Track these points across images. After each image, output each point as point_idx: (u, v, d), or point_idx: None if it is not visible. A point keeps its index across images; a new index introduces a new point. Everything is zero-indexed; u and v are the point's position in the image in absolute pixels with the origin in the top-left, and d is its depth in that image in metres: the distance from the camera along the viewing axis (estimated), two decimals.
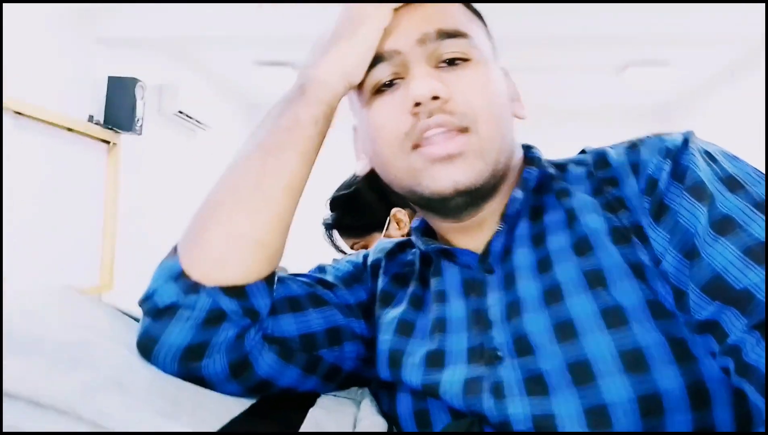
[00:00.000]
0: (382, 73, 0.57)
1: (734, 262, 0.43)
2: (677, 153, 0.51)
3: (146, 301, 0.54)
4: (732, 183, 0.48)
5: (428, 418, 0.56)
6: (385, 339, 0.61)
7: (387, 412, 0.60)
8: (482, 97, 0.55)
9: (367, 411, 0.58)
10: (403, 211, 1.28)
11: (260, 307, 0.54)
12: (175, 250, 0.56)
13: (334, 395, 0.63)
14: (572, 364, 0.48)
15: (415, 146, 0.55)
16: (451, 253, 0.61)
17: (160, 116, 3.61)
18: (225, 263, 0.52)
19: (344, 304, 0.63)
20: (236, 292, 0.52)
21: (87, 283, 2.88)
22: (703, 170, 0.49)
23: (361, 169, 0.65)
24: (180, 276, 0.52)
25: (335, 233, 1.37)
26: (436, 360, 0.56)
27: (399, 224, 1.28)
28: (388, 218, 1.28)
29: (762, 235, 0.43)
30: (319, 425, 0.53)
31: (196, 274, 0.52)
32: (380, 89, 0.57)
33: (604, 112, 4.77)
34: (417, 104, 0.53)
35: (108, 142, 3.05)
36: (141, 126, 3.06)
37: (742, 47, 3.55)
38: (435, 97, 0.53)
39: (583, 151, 0.63)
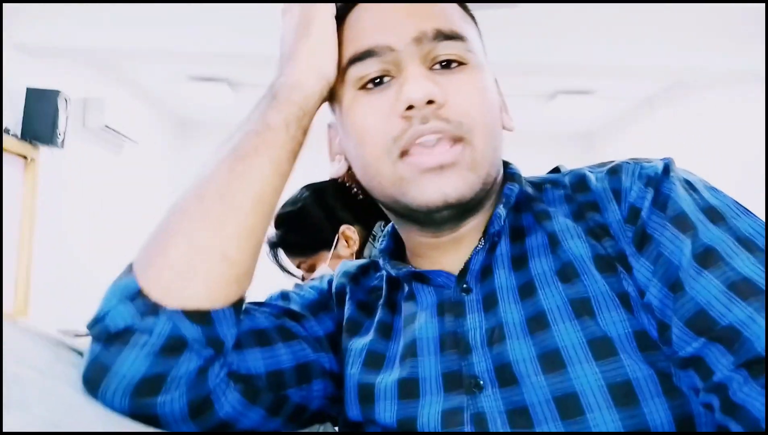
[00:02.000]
0: (369, 68, 0.53)
1: (718, 296, 0.43)
2: (658, 181, 0.50)
3: (96, 324, 0.47)
4: (713, 214, 0.47)
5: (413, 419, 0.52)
6: (353, 372, 0.57)
7: None
8: (479, 105, 0.53)
9: None
10: (352, 228, 1.24)
11: (226, 336, 0.49)
12: (130, 268, 0.50)
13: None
14: (558, 398, 0.46)
15: (404, 153, 0.51)
16: (424, 277, 0.58)
17: (84, 131, 3.43)
18: (189, 279, 0.47)
19: (313, 336, 0.59)
20: (200, 317, 0.47)
21: None
22: (684, 200, 0.48)
23: (336, 171, 0.61)
24: (137, 295, 0.47)
25: (280, 252, 1.31)
26: (409, 390, 0.52)
27: (348, 242, 1.24)
28: (337, 236, 1.24)
29: (745, 271, 0.43)
30: None
31: (155, 292, 0.46)
32: (366, 86, 0.54)
33: (533, 137, 4.94)
34: (409, 108, 0.50)
35: (25, 157, 2.85)
36: (63, 140, 2.88)
37: (663, 81, 3.78)
38: (430, 102, 0.50)
39: (556, 169, 0.62)
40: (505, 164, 0.62)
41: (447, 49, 0.53)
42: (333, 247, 1.23)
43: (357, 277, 0.65)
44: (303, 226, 1.27)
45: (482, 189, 0.53)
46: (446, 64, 0.53)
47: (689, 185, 0.50)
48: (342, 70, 0.55)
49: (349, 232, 1.23)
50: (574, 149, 5.07)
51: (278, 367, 0.53)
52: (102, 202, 3.67)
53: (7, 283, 2.74)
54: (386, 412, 0.52)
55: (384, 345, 0.57)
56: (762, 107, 3.01)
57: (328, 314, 0.62)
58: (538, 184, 0.60)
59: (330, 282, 0.66)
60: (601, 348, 0.47)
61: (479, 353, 0.51)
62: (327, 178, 1.26)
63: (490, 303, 0.53)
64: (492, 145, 0.54)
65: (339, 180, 1.25)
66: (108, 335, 0.46)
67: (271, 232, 1.31)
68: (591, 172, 0.56)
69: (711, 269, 0.44)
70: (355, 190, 1.26)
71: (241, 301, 0.51)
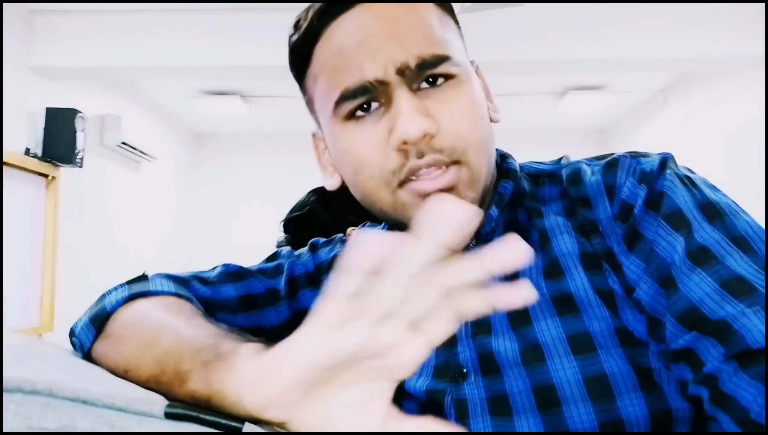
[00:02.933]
0: (359, 100, 0.52)
1: (711, 294, 0.43)
2: (652, 178, 0.50)
3: (70, 337, 0.55)
4: (711, 212, 0.47)
5: (397, 397, 0.54)
6: None
7: None
8: (469, 123, 0.52)
9: None
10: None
11: None
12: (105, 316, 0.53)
13: None
14: (537, 389, 0.48)
15: (402, 183, 0.52)
16: None
17: (102, 148, 3.50)
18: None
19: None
20: None
21: (26, 323, 2.71)
22: (680, 196, 0.48)
23: (331, 184, 0.61)
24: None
25: None
26: None
27: None
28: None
29: (738, 270, 0.43)
30: None
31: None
32: (354, 113, 0.53)
33: (544, 134, 4.93)
34: (404, 143, 0.50)
35: (47, 176, 2.92)
36: (82, 158, 2.95)
37: (674, 72, 3.75)
38: (426, 135, 0.50)
39: (559, 160, 0.62)
40: (504, 157, 0.62)
41: (435, 74, 0.52)
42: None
43: None
44: (311, 229, 1.29)
45: (480, 200, 0.54)
46: (432, 81, 0.52)
47: (689, 181, 0.50)
48: (332, 104, 0.53)
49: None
50: (587, 146, 5.04)
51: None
52: (121, 217, 3.74)
53: (33, 299, 2.80)
54: None
55: None
56: None
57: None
58: (536, 177, 0.60)
59: (339, 256, 0.68)
60: (580, 343, 0.48)
61: (464, 344, 0.53)
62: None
63: None
64: (487, 157, 0.54)
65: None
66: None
67: (281, 236, 1.34)
68: (588, 164, 0.57)
69: (704, 267, 0.44)
70: None
71: None
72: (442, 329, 0.31)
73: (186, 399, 0.38)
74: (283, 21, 0.61)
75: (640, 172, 0.51)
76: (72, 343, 0.55)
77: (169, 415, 0.34)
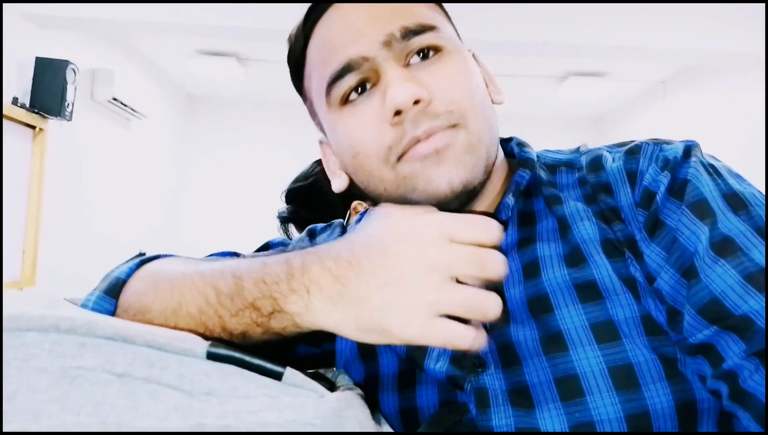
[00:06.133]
0: (348, 82, 0.52)
1: (734, 286, 0.42)
2: (676, 165, 0.49)
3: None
4: (735, 202, 0.46)
5: (413, 379, 0.54)
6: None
7: (366, 375, 0.58)
8: (464, 89, 0.51)
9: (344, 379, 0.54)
10: (364, 203, 1.24)
11: None
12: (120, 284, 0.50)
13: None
14: (559, 379, 0.46)
15: (401, 156, 0.50)
16: None
17: (92, 102, 3.43)
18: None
19: None
20: None
21: (7, 276, 2.68)
22: (705, 185, 0.47)
23: (338, 185, 0.59)
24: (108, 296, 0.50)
25: (291, 227, 1.31)
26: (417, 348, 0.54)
27: None
28: (348, 212, 1.24)
29: (763, 262, 0.42)
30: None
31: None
32: (348, 98, 0.52)
33: (544, 119, 4.91)
34: (397, 113, 0.49)
35: (34, 128, 2.86)
36: (71, 111, 2.88)
37: (675, 64, 3.73)
38: (416, 102, 0.49)
39: (577, 149, 0.60)
40: (521, 145, 0.61)
41: (419, 42, 0.51)
42: (345, 223, 1.23)
43: None
44: (314, 201, 1.27)
45: (485, 170, 0.53)
46: (423, 55, 0.52)
47: (713, 169, 0.49)
48: (324, 94, 0.54)
49: (361, 207, 1.23)
50: (583, 132, 5.04)
51: None
52: (109, 175, 3.69)
53: (15, 252, 2.77)
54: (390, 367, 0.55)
55: None
56: None
57: None
58: (552, 167, 0.59)
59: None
60: (604, 332, 0.47)
61: None
62: None
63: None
64: (488, 125, 0.53)
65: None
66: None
67: (282, 207, 1.31)
68: (609, 151, 0.55)
69: (728, 259, 0.43)
70: None
71: None
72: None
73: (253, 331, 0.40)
74: None
75: (663, 159, 0.49)
76: None
77: (211, 356, 0.33)
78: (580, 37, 2.84)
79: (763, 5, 2.69)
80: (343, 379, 0.51)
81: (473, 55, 0.59)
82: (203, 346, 0.33)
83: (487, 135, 0.53)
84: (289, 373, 0.34)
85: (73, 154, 3.26)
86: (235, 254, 0.64)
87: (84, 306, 0.50)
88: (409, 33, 0.51)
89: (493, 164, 0.55)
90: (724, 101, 3.48)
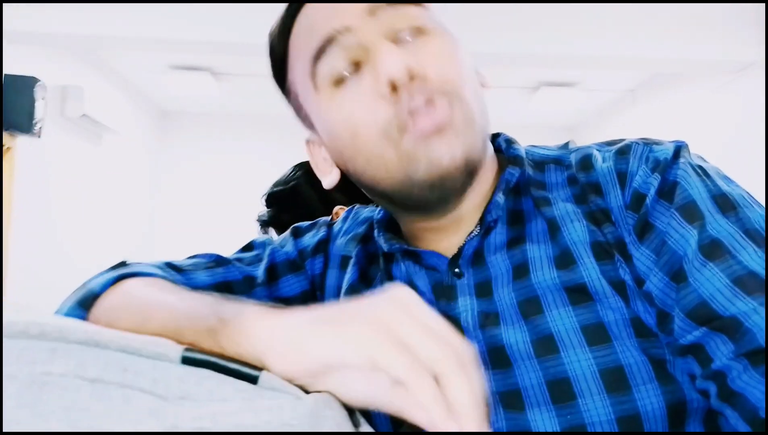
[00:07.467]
0: (336, 61, 0.50)
1: (722, 289, 0.42)
2: (665, 167, 0.49)
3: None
4: (724, 203, 0.46)
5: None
6: None
7: None
8: (457, 67, 0.51)
9: None
10: (345, 208, 1.24)
11: None
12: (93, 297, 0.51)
13: None
14: (551, 382, 0.47)
15: (402, 130, 0.49)
16: (415, 254, 0.57)
17: (62, 119, 3.37)
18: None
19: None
20: None
21: None
22: (694, 187, 0.47)
23: (330, 181, 0.59)
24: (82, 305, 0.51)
25: (271, 230, 1.31)
26: None
27: None
28: (331, 217, 1.24)
29: (751, 265, 0.42)
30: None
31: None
32: (339, 81, 0.51)
33: (518, 129, 4.95)
34: (393, 89, 0.48)
35: (2, 146, 2.80)
36: (40, 129, 2.83)
37: (644, 72, 3.81)
38: (411, 78, 0.48)
39: (566, 145, 0.60)
40: (509, 142, 0.61)
41: (407, 17, 0.50)
42: (330, 221, 1.23)
43: (366, 238, 0.65)
44: (296, 205, 1.26)
45: (483, 147, 0.52)
46: (412, 34, 0.51)
47: (702, 171, 0.49)
48: (309, 74, 0.52)
49: (343, 212, 1.22)
50: (556, 141, 5.10)
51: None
52: (81, 192, 3.62)
53: None
54: None
55: None
56: (744, 98, 3.06)
57: (297, 275, 0.65)
58: (540, 163, 0.58)
59: (324, 238, 0.68)
60: (595, 334, 0.47)
61: (471, 336, 0.51)
62: None
63: (482, 288, 0.53)
64: (479, 104, 0.52)
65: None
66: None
67: (263, 210, 1.31)
68: (599, 150, 0.55)
69: (716, 262, 0.43)
70: None
71: None
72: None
73: None
74: None
75: (654, 160, 0.49)
76: None
77: (186, 360, 0.33)
78: (550, 47, 2.89)
79: (730, 12, 2.77)
80: None
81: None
82: (178, 350, 0.33)
83: (479, 109, 0.52)
84: (265, 376, 0.33)
85: (42, 172, 3.20)
86: (218, 257, 0.64)
87: (57, 313, 0.49)
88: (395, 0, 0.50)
89: (485, 149, 0.54)
90: (695, 107, 3.56)
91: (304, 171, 1.28)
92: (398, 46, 0.49)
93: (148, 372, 0.30)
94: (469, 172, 0.51)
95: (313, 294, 0.65)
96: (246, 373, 0.33)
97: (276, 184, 1.30)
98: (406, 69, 0.47)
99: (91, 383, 0.29)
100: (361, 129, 0.50)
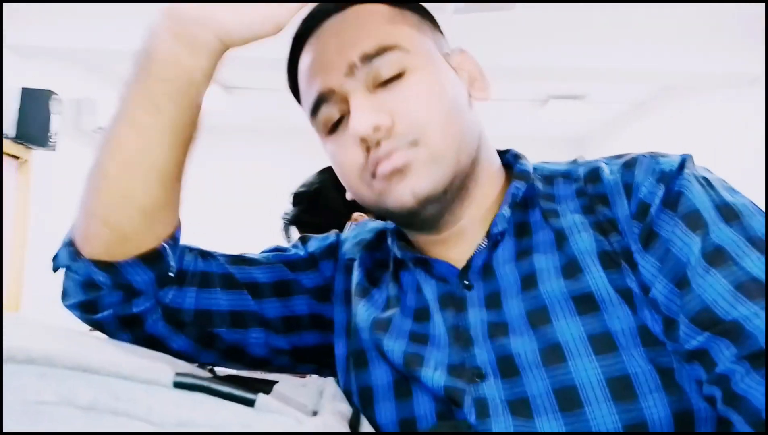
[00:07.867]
0: (329, 113, 0.57)
1: (724, 295, 0.43)
2: (671, 178, 0.50)
3: (52, 261, 0.58)
4: (728, 212, 0.47)
5: (409, 388, 0.55)
6: (363, 327, 0.60)
7: (361, 385, 0.59)
8: (427, 108, 0.54)
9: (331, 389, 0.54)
10: (365, 216, 1.25)
11: (137, 282, 0.55)
12: None
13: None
14: (558, 390, 0.47)
15: (373, 174, 0.55)
16: (427, 263, 0.59)
17: (77, 132, 3.42)
18: (88, 238, 0.55)
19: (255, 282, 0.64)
20: (107, 266, 0.54)
21: None
22: (698, 197, 0.48)
23: (349, 195, 0.64)
24: (69, 243, 0.57)
25: (292, 229, 1.33)
26: (419, 338, 0.56)
27: None
28: (349, 222, 1.26)
29: (754, 271, 0.43)
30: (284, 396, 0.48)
31: (78, 242, 0.56)
32: (332, 129, 0.58)
33: (525, 142, 4.96)
34: (362, 141, 0.54)
35: (18, 158, 2.85)
36: (56, 142, 2.88)
37: (653, 85, 3.81)
38: (377, 129, 0.53)
39: (575, 160, 0.62)
40: (516, 157, 0.63)
41: (383, 67, 0.54)
42: (344, 232, 1.24)
43: (372, 244, 0.68)
44: (319, 206, 1.29)
45: (455, 175, 0.55)
46: (389, 79, 0.55)
47: (706, 182, 0.50)
48: (311, 120, 0.60)
49: (361, 219, 1.24)
50: (566, 153, 5.08)
51: (208, 308, 0.60)
52: None
53: None
54: (395, 347, 0.55)
55: (389, 314, 0.59)
56: (752, 111, 3.05)
57: (312, 272, 0.67)
58: (549, 178, 0.60)
59: (335, 244, 0.70)
60: (602, 343, 0.48)
61: (481, 345, 0.52)
62: None
63: (492, 299, 0.54)
64: (455, 136, 0.55)
65: None
66: (56, 270, 0.58)
67: (288, 208, 1.33)
68: (606, 163, 0.57)
69: (719, 268, 0.44)
70: None
71: (153, 251, 0.55)
72: None
73: None
74: None
75: (660, 171, 0.51)
76: (57, 268, 0.58)
77: (178, 385, 0.33)
78: (559, 60, 2.90)
79: (740, 25, 2.78)
80: (330, 390, 0.51)
81: (460, 53, 0.62)
82: (169, 376, 0.33)
83: (455, 144, 0.55)
84: (262, 399, 0.33)
85: (58, 184, 3.25)
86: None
87: (57, 264, 0.58)
88: (368, 58, 0.54)
89: (470, 168, 0.57)
90: (704, 120, 3.55)
91: (330, 174, 1.30)
92: (374, 95, 0.54)
93: (143, 399, 0.31)
94: (438, 201, 0.55)
95: (326, 293, 0.67)
96: (240, 396, 0.33)
97: (304, 184, 1.33)
98: (372, 127, 0.52)
99: (85, 412, 0.29)
100: (345, 170, 0.58)
